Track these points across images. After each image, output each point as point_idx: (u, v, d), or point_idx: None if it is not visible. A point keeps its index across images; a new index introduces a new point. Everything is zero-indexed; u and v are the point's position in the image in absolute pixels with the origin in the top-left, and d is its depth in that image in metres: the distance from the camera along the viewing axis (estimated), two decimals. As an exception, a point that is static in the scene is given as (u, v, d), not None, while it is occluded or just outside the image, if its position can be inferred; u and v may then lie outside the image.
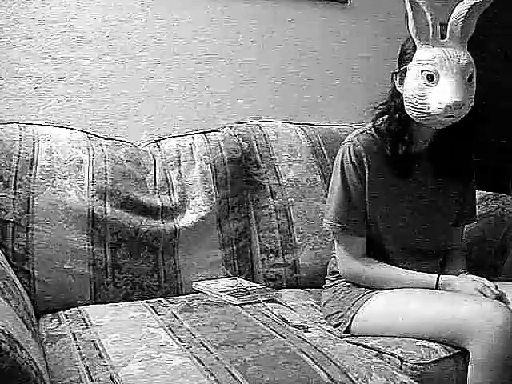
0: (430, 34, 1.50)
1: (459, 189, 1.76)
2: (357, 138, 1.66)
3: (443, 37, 1.52)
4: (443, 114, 1.49)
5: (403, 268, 1.66)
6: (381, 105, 1.69)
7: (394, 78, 1.61)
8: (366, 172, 1.64)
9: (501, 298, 1.55)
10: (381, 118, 1.68)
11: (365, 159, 1.63)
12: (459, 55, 1.49)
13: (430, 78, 1.49)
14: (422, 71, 1.50)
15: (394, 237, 1.69)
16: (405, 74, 1.57)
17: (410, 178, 1.67)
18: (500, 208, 2.02)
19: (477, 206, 1.88)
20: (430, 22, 1.49)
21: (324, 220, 1.71)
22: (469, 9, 1.49)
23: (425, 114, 1.52)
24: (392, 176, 1.66)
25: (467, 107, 1.51)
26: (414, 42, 1.54)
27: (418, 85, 1.51)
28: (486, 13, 1.54)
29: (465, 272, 1.71)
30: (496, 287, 1.58)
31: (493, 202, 2.06)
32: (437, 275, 1.62)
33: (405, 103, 1.56)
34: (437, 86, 1.49)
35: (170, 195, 1.93)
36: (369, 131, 1.67)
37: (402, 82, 1.59)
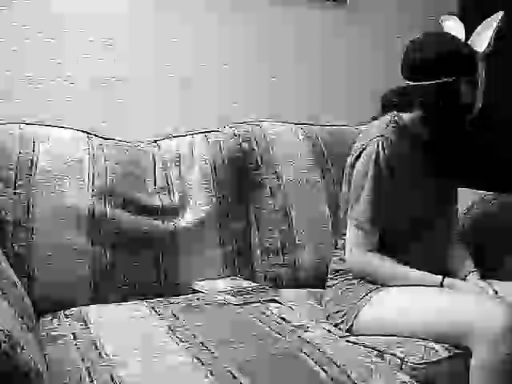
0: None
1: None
2: (386, 131, 1.68)
3: None
4: None
5: (416, 253, 1.68)
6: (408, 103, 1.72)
7: (458, 82, 1.64)
8: (398, 163, 1.66)
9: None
10: (401, 114, 1.72)
11: (397, 151, 1.66)
12: None
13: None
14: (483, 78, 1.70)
15: (415, 222, 1.70)
16: (474, 77, 1.66)
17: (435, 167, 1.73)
18: (500, 208, 2.02)
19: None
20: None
21: (351, 216, 1.69)
22: None
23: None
24: (419, 166, 1.70)
25: None
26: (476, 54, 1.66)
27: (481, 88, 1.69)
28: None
29: (474, 271, 1.73)
30: (495, 291, 1.59)
31: (493, 201, 2.06)
32: (441, 276, 1.62)
33: (477, 106, 1.68)
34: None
35: (169, 195, 1.93)
36: (392, 123, 1.71)
37: (463, 86, 1.65)
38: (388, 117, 1.73)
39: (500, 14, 1.68)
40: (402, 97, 1.72)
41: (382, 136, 1.66)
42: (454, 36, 1.70)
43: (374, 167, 1.64)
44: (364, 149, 1.67)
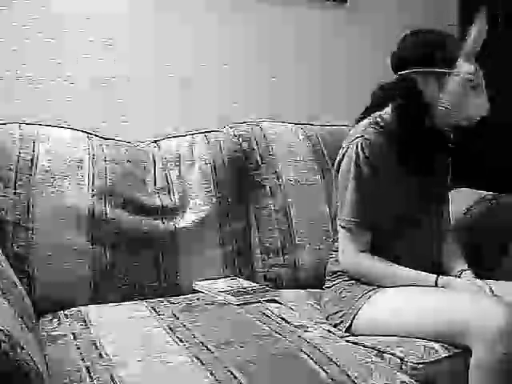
0: (475, 51, 1.67)
1: (446, 165, 1.87)
2: (365, 131, 1.68)
3: None
4: (477, 118, 1.70)
5: (404, 253, 1.68)
6: (380, 100, 1.76)
7: (420, 78, 1.68)
8: (380, 163, 1.66)
9: None
10: (382, 113, 1.73)
11: (377, 151, 1.66)
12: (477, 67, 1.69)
13: (474, 88, 1.68)
14: (469, 81, 1.67)
15: (401, 221, 1.70)
16: (441, 77, 1.66)
17: (418, 167, 1.72)
18: (500, 208, 2.02)
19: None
20: (481, 42, 1.67)
21: (339, 217, 1.71)
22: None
23: (463, 116, 1.69)
24: (399, 164, 1.69)
25: None
26: (449, 52, 1.67)
27: (464, 92, 1.67)
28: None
29: (467, 270, 1.72)
30: (491, 290, 1.59)
31: (493, 201, 2.06)
32: (436, 275, 1.62)
33: (439, 105, 1.67)
34: (477, 95, 1.68)
35: (170, 195, 1.93)
36: (373, 124, 1.71)
37: (425, 83, 1.67)
38: (368, 119, 1.73)
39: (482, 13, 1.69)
40: (381, 91, 1.78)
41: (361, 137, 1.67)
42: (424, 30, 1.72)
43: (355, 168, 1.66)
44: (347, 150, 1.69)
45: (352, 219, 1.67)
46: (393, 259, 1.66)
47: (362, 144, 1.66)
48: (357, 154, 1.66)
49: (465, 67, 1.67)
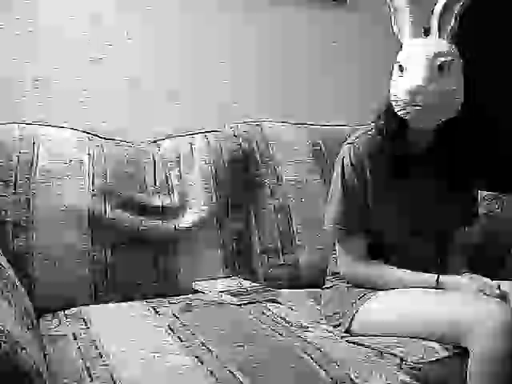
0: (409, 33, 1.55)
1: (460, 192, 1.75)
2: (358, 139, 1.66)
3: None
4: (410, 103, 1.48)
5: (402, 266, 1.66)
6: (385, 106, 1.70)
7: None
8: (367, 174, 1.64)
9: (503, 297, 1.55)
10: (380, 119, 1.68)
11: (366, 161, 1.63)
12: (429, 44, 1.52)
13: (401, 69, 1.52)
14: (396, 64, 1.54)
15: (394, 239, 1.69)
16: None
17: (410, 179, 1.67)
18: (500, 208, 2.02)
19: (478, 209, 1.87)
20: (410, 21, 1.54)
21: (325, 221, 1.71)
22: (445, 4, 1.54)
23: (400, 108, 1.53)
24: (393, 177, 1.65)
25: (438, 96, 1.49)
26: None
27: (394, 79, 1.55)
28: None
29: (467, 272, 1.71)
30: (498, 286, 1.58)
31: (493, 201, 2.06)
32: (437, 275, 1.62)
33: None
34: (403, 76, 1.51)
35: (169, 195, 1.93)
36: (370, 132, 1.67)
37: None
38: (373, 125, 1.69)
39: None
40: None
41: (351, 143, 1.65)
42: None
43: (340, 174, 1.64)
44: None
45: (336, 225, 1.65)
46: (393, 263, 1.65)
47: (349, 151, 1.63)
48: (343, 161, 1.64)
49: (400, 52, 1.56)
